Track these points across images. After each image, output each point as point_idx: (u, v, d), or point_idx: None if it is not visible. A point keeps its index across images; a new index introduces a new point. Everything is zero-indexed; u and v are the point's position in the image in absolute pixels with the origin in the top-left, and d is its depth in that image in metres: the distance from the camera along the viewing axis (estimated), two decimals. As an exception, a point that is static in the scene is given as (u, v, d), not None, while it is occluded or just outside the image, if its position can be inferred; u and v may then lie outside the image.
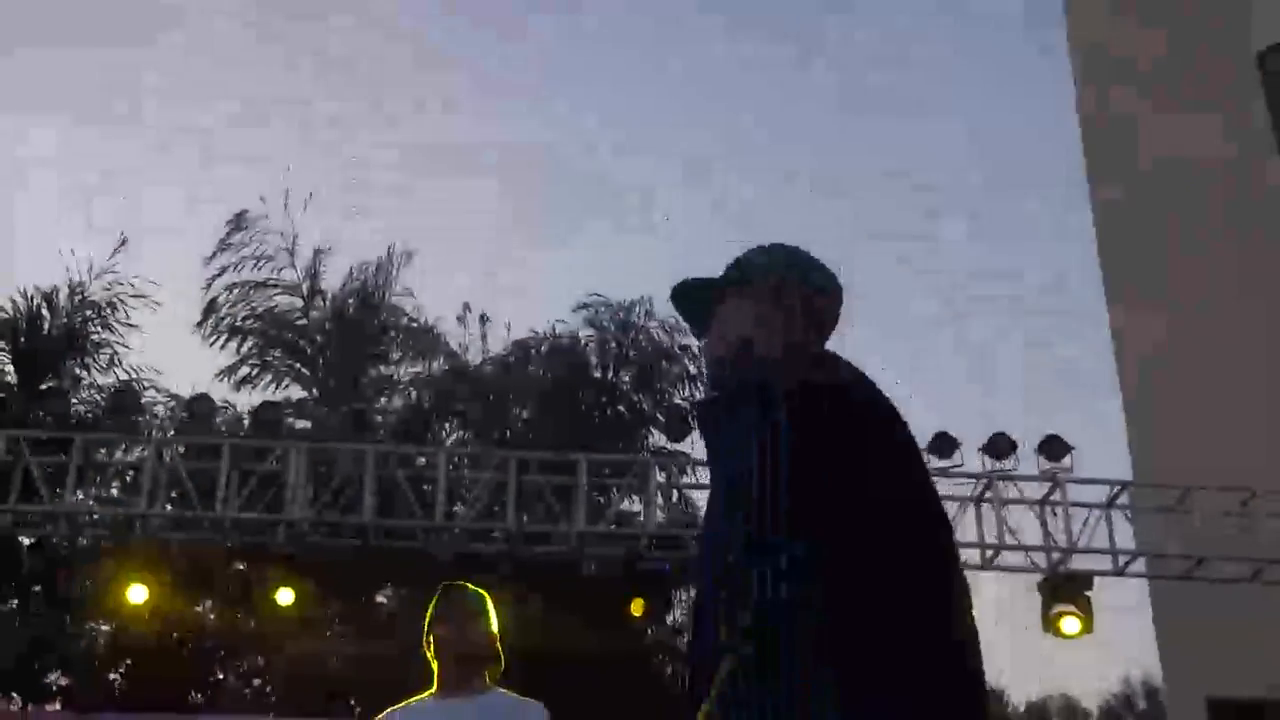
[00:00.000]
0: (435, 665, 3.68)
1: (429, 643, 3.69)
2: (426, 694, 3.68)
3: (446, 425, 19.19)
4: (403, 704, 3.63)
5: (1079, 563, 10.75)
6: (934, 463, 10.71)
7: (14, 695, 17.66)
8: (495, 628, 3.71)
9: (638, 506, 14.59)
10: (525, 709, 3.65)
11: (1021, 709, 31.29)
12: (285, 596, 10.41)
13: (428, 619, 3.73)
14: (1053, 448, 10.82)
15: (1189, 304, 16.57)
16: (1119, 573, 10.80)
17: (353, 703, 17.69)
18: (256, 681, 19.80)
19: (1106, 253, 19.46)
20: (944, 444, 10.71)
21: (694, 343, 20.45)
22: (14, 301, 17.76)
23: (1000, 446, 10.80)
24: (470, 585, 3.85)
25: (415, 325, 20.47)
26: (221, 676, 19.84)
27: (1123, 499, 10.91)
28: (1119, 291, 18.83)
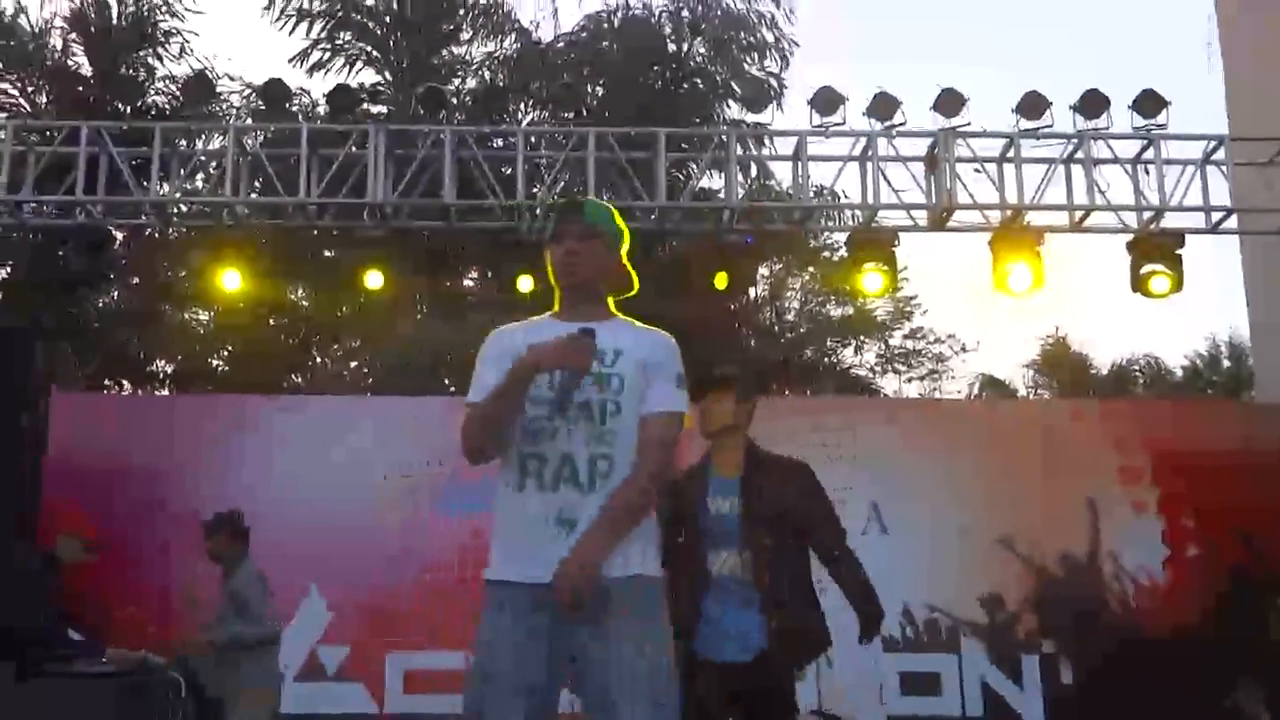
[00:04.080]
0: (555, 287, 3.49)
1: (547, 263, 3.50)
2: (547, 313, 3.51)
3: (522, 105, 19.01)
4: (524, 322, 3.48)
5: (1171, 222, 10.59)
6: (1022, 123, 10.45)
7: (123, 381, 18.50)
8: (621, 248, 3.49)
9: (718, 184, 14.53)
10: (652, 335, 3.46)
11: (1105, 371, 31.52)
12: (374, 280, 10.60)
13: (547, 236, 3.50)
14: (1147, 104, 10.45)
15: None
16: (1212, 230, 10.62)
17: (447, 381, 18.32)
18: (353, 364, 20.51)
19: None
20: (1034, 103, 10.40)
21: (771, 9, 19.86)
22: (81, -11, 17.57)
23: (1092, 104, 10.46)
24: (591, 200, 3.60)
25: (486, 2, 20.00)
26: (319, 360, 20.56)
27: (1219, 155, 10.61)
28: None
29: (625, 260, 3.52)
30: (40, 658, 7.05)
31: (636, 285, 3.53)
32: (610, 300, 3.51)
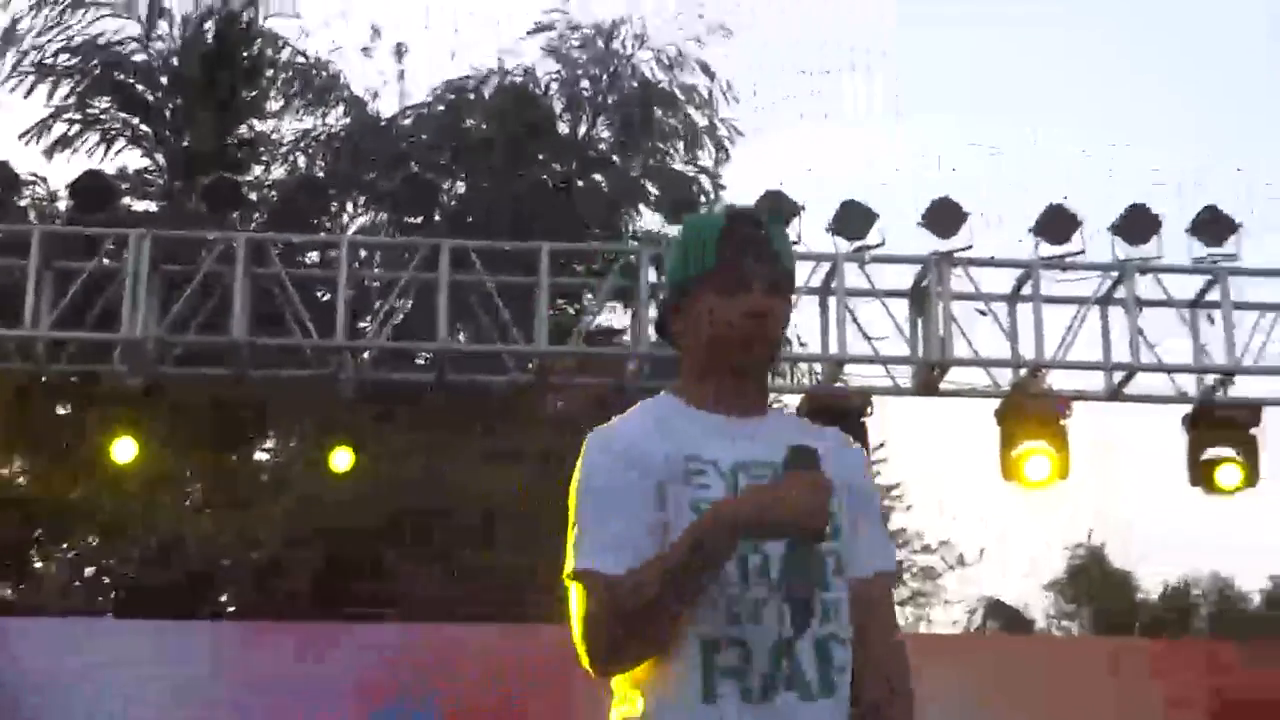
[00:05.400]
0: (681, 355, 3.11)
1: (671, 317, 3.10)
2: (666, 392, 3.12)
3: (349, 204, 19.12)
4: (643, 408, 3.06)
5: (1244, 388, 10.80)
6: (1043, 248, 10.67)
7: None
8: (788, 303, 3.06)
9: (623, 321, 14.63)
10: (840, 439, 3.11)
11: (1155, 597, 31.87)
12: (125, 450, 10.45)
13: (671, 274, 3.11)
14: (1211, 227, 10.73)
15: None
16: (1299, 400, 10.87)
17: (224, 598, 17.98)
18: (89, 571, 20.10)
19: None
20: (1059, 221, 10.60)
21: (703, 83, 20.26)
22: None
23: (1138, 225, 10.69)
24: (774, 217, 3.21)
25: (303, 61, 20.21)
26: (39, 564, 20.13)
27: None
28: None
29: None
30: None
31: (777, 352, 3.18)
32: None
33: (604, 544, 2.79)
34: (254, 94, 20.20)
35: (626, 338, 12.33)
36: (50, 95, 19.71)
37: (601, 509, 2.84)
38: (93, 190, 10.94)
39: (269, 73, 20.28)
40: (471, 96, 20.20)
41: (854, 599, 2.91)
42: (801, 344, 12.73)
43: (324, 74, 20.17)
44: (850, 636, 2.88)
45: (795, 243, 10.63)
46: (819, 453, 2.75)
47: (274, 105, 20.42)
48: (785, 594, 2.69)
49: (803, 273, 10.81)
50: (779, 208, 10.67)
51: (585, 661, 2.77)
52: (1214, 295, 10.74)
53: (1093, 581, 30.90)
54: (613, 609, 2.73)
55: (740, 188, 19.42)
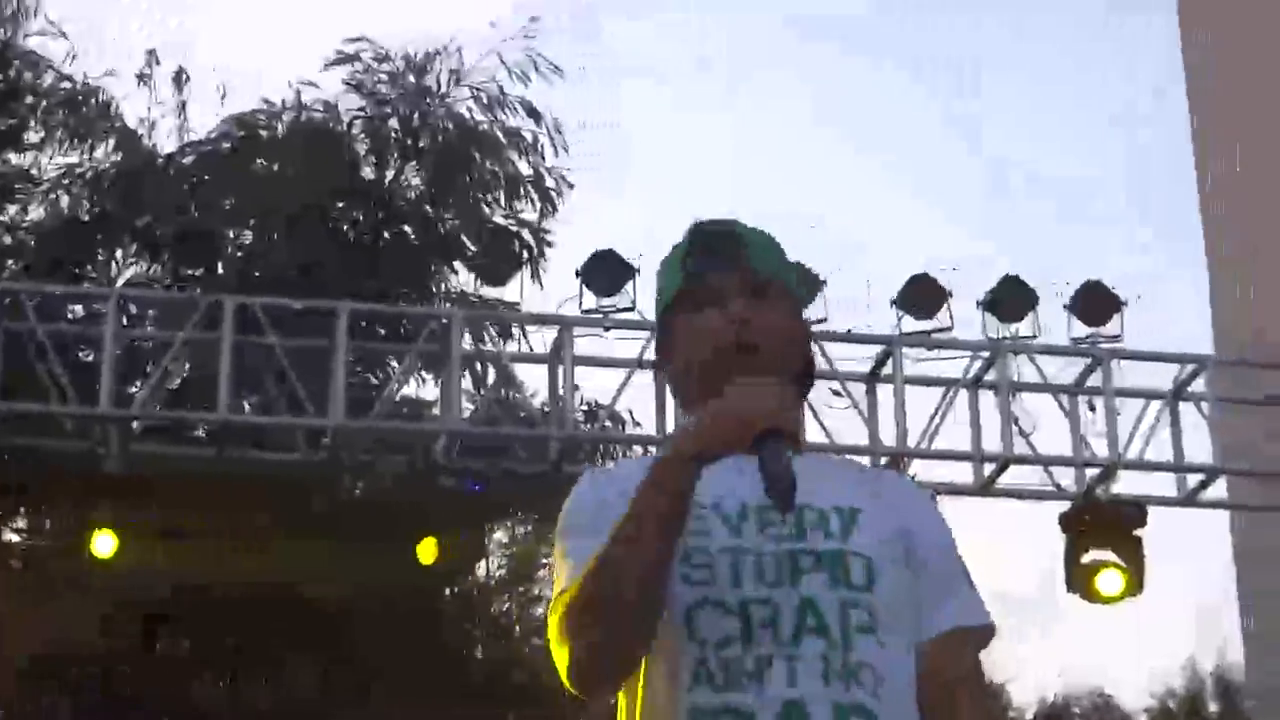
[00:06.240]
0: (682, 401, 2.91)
1: (663, 357, 2.93)
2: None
3: (119, 252, 18.84)
4: (644, 458, 2.94)
5: (1128, 485, 10.94)
6: (906, 323, 10.74)
7: None
8: (780, 311, 2.82)
9: (431, 393, 14.54)
10: (890, 479, 3.12)
11: (1030, 715, 32.21)
12: None
13: (673, 293, 2.87)
14: (1093, 304, 10.88)
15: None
16: (1187, 500, 11.01)
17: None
18: None
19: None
20: (924, 294, 10.70)
21: (529, 126, 20.26)
22: None
23: (1012, 300, 10.84)
24: (752, 228, 2.92)
25: (70, 86, 19.95)
26: None
27: (1197, 385, 11.06)
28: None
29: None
30: None
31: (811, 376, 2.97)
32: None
33: (574, 567, 2.60)
34: (11, 123, 19.89)
35: (436, 411, 12.23)
36: None
37: (575, 539, 2.67)
38: None
39: (28, 99, 19.98)
40: (263, 133, 20.00)
41: (920, 663, 2.67)
42: (637, 425, 12.71)
43: (93, 102, 19.88)
44: (891, 709, 2.57)
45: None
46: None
47: (33, 136, 20.08)
48: (766, 492, 2.46)
49: (635, 345, 10.83)
50: (605, 269, 10.66)
51: (567, 680, 2.58)
52: (1095, 380, 10.88)
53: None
54: (573, 599, 2.53)
55: (572, 246, 19.39)
